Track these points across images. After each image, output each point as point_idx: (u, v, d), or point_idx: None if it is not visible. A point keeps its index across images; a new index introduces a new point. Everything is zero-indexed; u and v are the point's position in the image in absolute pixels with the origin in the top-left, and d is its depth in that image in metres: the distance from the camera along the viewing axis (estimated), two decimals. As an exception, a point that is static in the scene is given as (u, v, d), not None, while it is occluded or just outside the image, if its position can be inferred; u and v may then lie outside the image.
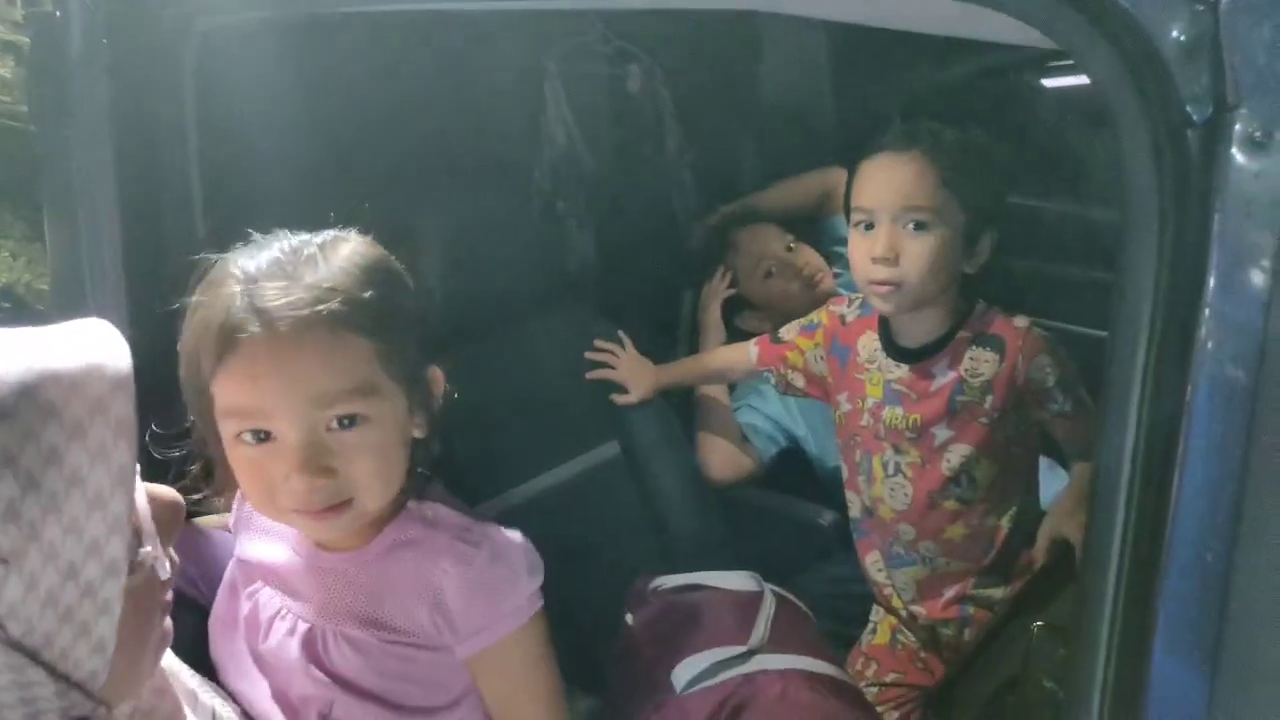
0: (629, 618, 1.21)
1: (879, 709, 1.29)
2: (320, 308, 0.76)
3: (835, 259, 1.72)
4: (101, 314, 1.04)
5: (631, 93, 1.83)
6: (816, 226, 1.82)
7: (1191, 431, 0.59)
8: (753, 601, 1.17)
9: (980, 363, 1.22)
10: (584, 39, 1.75)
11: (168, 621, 0.64)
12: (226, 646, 0.91)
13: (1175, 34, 0.56)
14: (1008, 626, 1.03)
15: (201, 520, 1.00)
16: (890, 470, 1.29)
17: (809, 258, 1.70)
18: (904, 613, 1.36)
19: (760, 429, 1.62)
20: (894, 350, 1.28)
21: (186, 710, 0.71)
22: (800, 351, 1.40)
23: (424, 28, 1.44)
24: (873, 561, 1.38)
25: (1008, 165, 1.37)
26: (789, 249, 1.70)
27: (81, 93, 1.04)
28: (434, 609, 0.85)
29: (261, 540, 0.92)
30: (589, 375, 1.49)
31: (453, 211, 1.39)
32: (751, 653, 1.08)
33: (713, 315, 1.71)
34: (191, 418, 0.83)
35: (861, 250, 1.21)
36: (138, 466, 0.57)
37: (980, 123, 1.34)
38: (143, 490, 0.60)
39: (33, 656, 0.52)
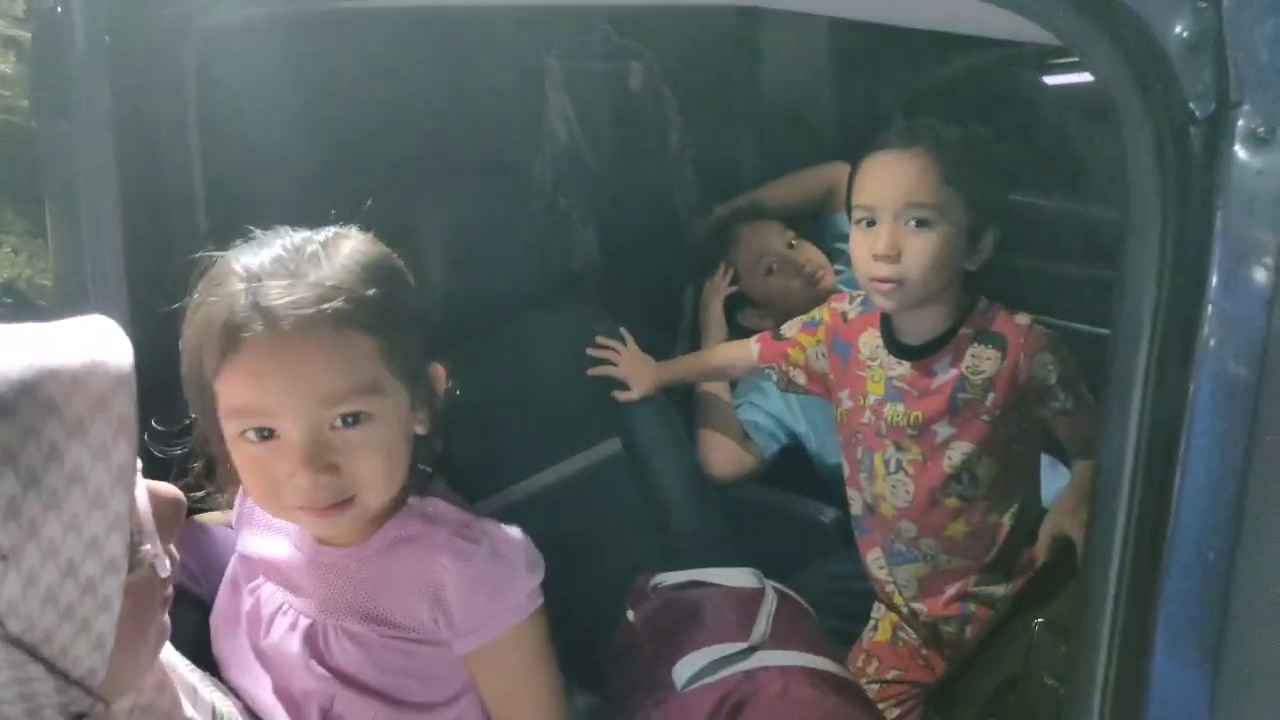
0: (630, 614, 1.21)
1: (880, 706, 1.29)
2: (324, 306, 0.76)
3: (837, 256, 1.71)
4: (103, 310, 1.04)
5: (633, 90, 1.83)
6: (819, 223, 1.82)
7: (1193, 429, 0.59)
8: (754, 598, 1.17)
9: (982, 360, 1.22)
10: (586, 36, 1.75)
11: (165, 616, 0.64)
12: (228, 642, 0.91)
13: (1179, 30, 0.56)
14: (1009, 624, 1.03)
15: (204, 516, 1.00)
16: (892, 467, 1.29)
17: (810, 255, 1.70)
18: (905, 610, 1.36)
19: (762, 426, 1.62)
20: (896, 347, 1.28)
21: (186, 705, 0.71)
22: (802, 349, 1.40)
23: (425, 24, 1.44)
24: (874, 559, 1.38)
25: (1010, 163, 1.37)
26: (790, 246, 1.70)
27: (83, 88, 1.04)
28: (434, 604, 0.85)
29: (263, 536, 0.92)
30: (590, 372, 1.49)
31: (454, 208, 1.39)
32: (753, 649, 1.08)
33: (714, 312, 1.71)
34: (193, 415, 0.83)
35: (863, 247, 1.21)
36: (138, 464, 0.57)
37: (982, 120, 1.34)
38: (144, 488, 0.60)
39: (32, 653, 0.52)
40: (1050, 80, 1.89)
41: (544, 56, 1.69)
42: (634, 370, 1.50)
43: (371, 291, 0.79)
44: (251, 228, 0.84)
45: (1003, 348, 1.21)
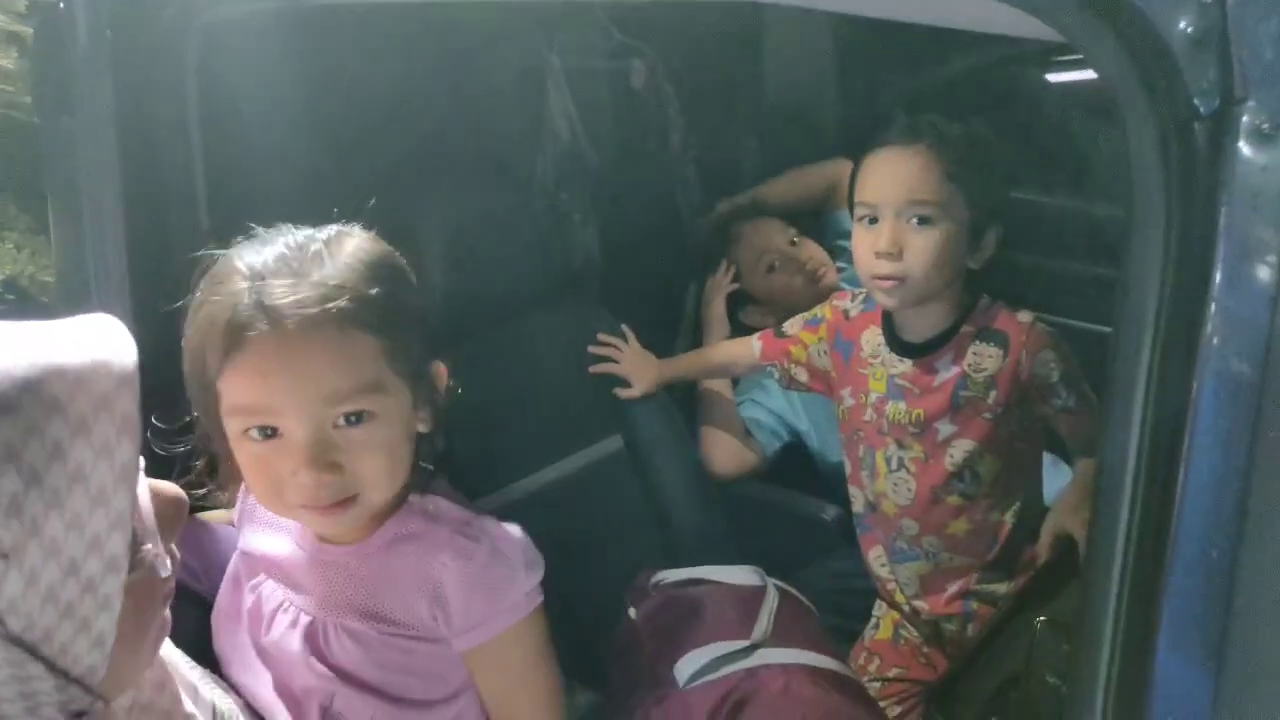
0: (631, 612, 1.21)
1: (881, 704, 1.29)
2: (329, 306, 0.76)
3: (839, 253, 1.71)
4: (105, 307, 1.04)
5: (635, 88, 1.83)
6: (821, 220, 1.81)
7: (1197, 427, 0.58)
8: (755, 596, 1.17)
9: (984, 358, 1.22)
10: (587, 33, 1.74)
11: (167, 610, 0.64)
12: (229, 639, 0.91)
13: (1183, 26, 0.56)
14: (1011, 622, 1.03)
15: (206, 515, 1.00)
16: (893, 465, 1.29)
17: (812, 252, 1.70)
18: (907, 608, 1.36)
19: (763, 423, 1.62)
20: (897, 345, 1.28)
21: (187, 702, 0.71)
22: (804, 346, 1.40)
23: (426, 21, 1.44)
24: (876, 556, 1.38)
25: (1012, 160, 1.36)
26: (792, 243, 1.70)
27: (85, 84, 1.04)
28: (433, 602, 0.85)
29: (265, 533, 0.92)
30: (592, 369, 1.49)
31: (455, 206, 1.39)
32: (754, 647, 1.08)
33: (717, 310, 1.70)
34: (195, 413, 0.83)
35: (865, 245, 1.21)
36: (141, 463, 0.57)
37: (985, 117, 1.33)
38: (146, 487, 0.60)
39: (32, 651, 0.52)
40: (1052, 77, 1.89)
41: (546, 54, 1.69)
42: (635, 367, 1.50)
43: (375, 290, 0.79)
44: (254, 225, 0.84)
45: (1005, 345, 1.21)
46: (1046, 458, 1.35)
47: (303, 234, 0.83)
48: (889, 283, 1.19)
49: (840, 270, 1.69)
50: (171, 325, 0.82)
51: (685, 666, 1.07)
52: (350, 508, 0.81)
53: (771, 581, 1.21)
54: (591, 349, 1.50)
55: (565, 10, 1.72)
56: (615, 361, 1.50)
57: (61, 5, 1.03)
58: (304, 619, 0.87)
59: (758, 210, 1.77)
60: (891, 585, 1.36)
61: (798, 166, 1.85)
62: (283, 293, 0.76)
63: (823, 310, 1.40)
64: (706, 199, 1.90)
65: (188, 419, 0.84)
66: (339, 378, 0.77)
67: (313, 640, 0.86)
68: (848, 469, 1.38)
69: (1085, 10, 0.59)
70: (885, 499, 1.31)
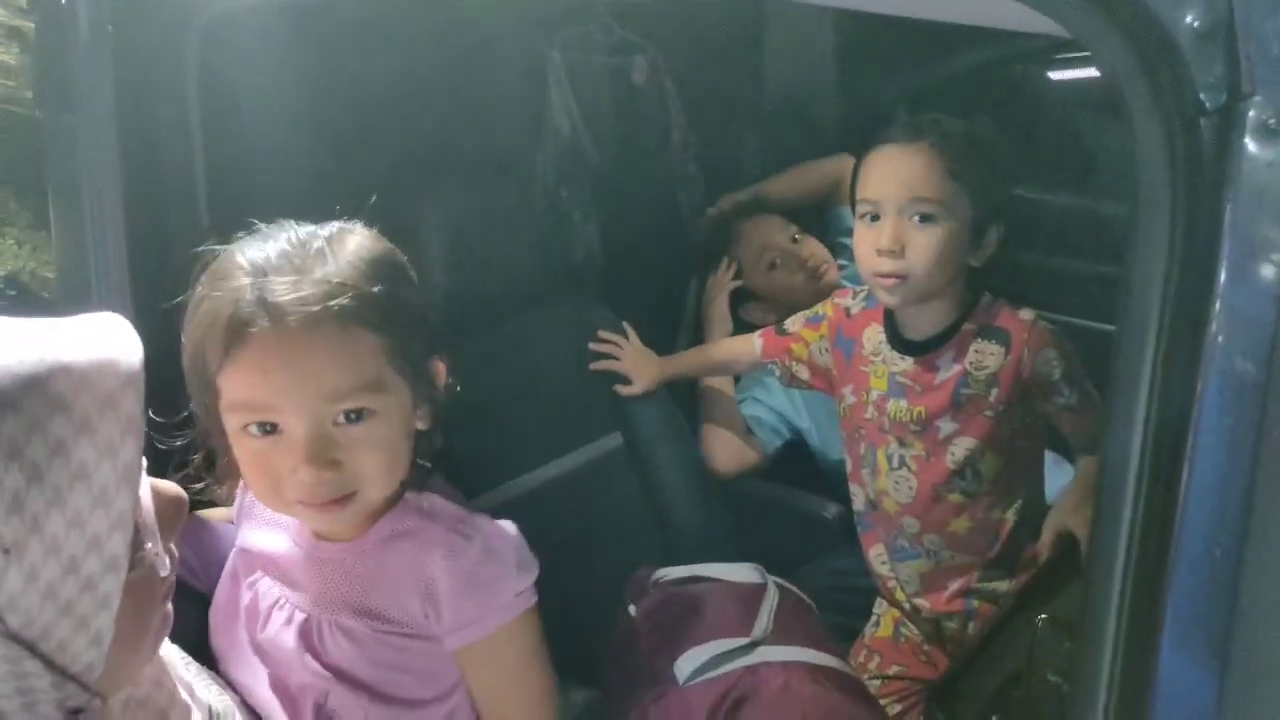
0: (631, 609, 1.21)
1: (882, 702, 1.29)
2: (331, 303, 0.76)
3: (841, 250, 1.71)
4: (106, 303, 1.04)
5: (637, 84, 1.82)
6: (823, 217, 1.81)
7: (1201, 425, 0.58)
8: (756, 594, 1.17)
9: (985, 356, 1.22)
10: (589, 30, 1.74)
11: (168, 605, 0.64)
12: (227, 636, 0.91)
13: (1189, 21, 0.56)
14: (1012, 620, 1.03)
15: (206, 512, 1.00)
16: (895, 463, 1.29)
17: (814, 249, 1.70)
18: (908, 606, 1.36)
19: (764, 421, 1.62)
20: (899, 343, 1.28)
21: (184, 694, 0.71)
22: (805, 344, 1.40)
23: (427, 17, 1.44)
24: (877, 554, 1.38)
25: (1014, 157, 1.36)
26: (794, 240, 1.69)
27: (87, 80, 1.04)
28: (425, 599, 0.85)
29: (263, 530, 0.92)
30: (593, 366, 1.49)
31: (456, 203, 1.39)
32: (754, 645, 1.08)
33: (719, 307, 1.70)
34: (194, 408, 0.83)
35: (867, 242, 1.21)
36: (144, 462, 0.57)
37: (987, 114, 1.33)
38: (147, 486, 0.60)
39: (30, 648, 0.52)
40: (1055, 74, 1.89)
41: (547, 50, 1.69)
42: (636, 365, 1.50)
43: (377, 288, 0.79)
44: (255, 221, 0.84)
45: (1006, 343, 1.21)
46: (1048, 456, 1.35)
47: (305, 231, 0.83)
48: (890, 280, 1.19)
49: (842, 268, 1.69)
50: (172, 321, 0.82)
51: (685, 664, 1.07)
52: (348, 505, 0.81)
53: (772, 579, 1.21)
54: (592, 346, 1.50)
55: (567, 7, 1.72)
56: (616, 359, 1.49)
57: (63, 1, 1.03)
58: (299, 616, 0.87)
59: (759, 207, 1.77)
60: (892, 583, 1.36)
61: (799, 163, 1.85)
62: (285, 289, 0.76)
63: (824, 308, 1.40)
64: (708, 196, 1.89)
65: (186, 413, 0.84)
66: (340, 375, 0.77)
67: (307, 638, 0.86)
68: (849, 467, 1.38)
69: (1090, 4, 0.59)
70: (886, 497, 1.31)
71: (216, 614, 0.93)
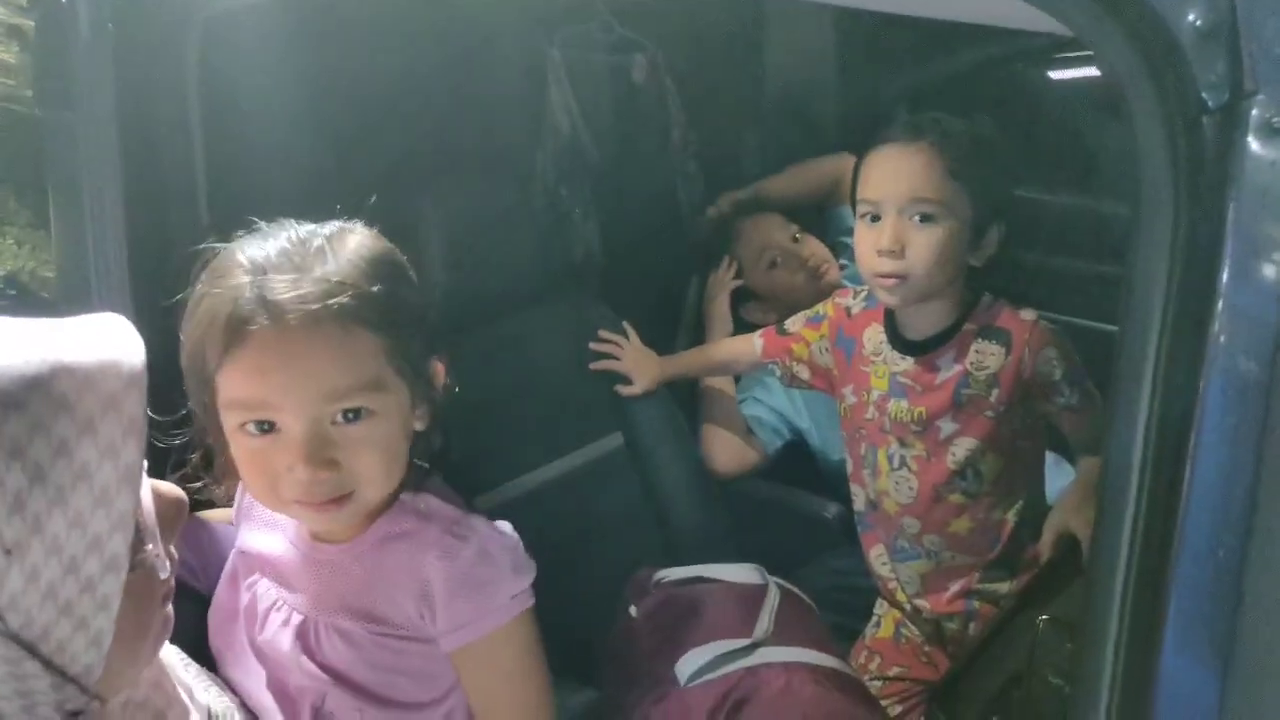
0: (631, 610, 1.21)
1: (883, 703, 1.28)
2: (330, 302, 0.76)
3: (842, 250, 1.71)
4: (106, 301, 1.04)
5: (636, 82, 1.82)
6: (823, 216, 1.81)
7: (1204, 425, 0.58)
8: (756, 594, 1.17)
9: (986, 356, 1.21)
10: (588, 27, 1.74)
11: (169, 609, 0.63)
12: (226, 637, 0.91)
13: (1191, 19, 0.55)
14: (1013, 621, 1.03)
15: (206, 514, 0.99)
16: (895, 463, 1.29)
17: (814, 248, 1.69)
18: (908, 606, 1.35)
19: (765, 421, 1.62)
20: (899, 343, 1.27)
21: (183, 695, 0.71)
22: (805, 343, 1.40)
23: (427, 17, 1.44)
24: (877, 555, 1.38)
25: (1015, 157, 1.36)
26: (794, 239, 1.69)
27: (87, 79, 1.04)
28: (421, 601, 0.85)
29: (261, 532, 0.91)
30: (593, 366, 1.49)
31: (456, 202, 1.39)
32: (755, 645, 1.08)
33: (719, 306, 1.70)
34: (192, 406, 0.83)
35: (867, 242, 1.20)
36: (145, 464, 0.57)
37: (988, 114, 1.33)
38: (148, 487, 0.60)
39: (30, 649, 0.52)
40: (1056, 74, 1.89)
41: (547, 49, 1.69)
42: (636, 364, 1.49)
43: (376, 288, 0.79)
44: (255, 220, 0.84)
45: (1007, 343, 1.21)
46: (1049, 456, 1.35)
47: (305, 229, 0.83)
48: (891, 281, 1.19)
49: (842, 267, 1.69)
50: (172, 320, 0.82)
51: (686, 665, 1.07)
52: (346, 504, 0.80)
53: (773, 580, 1.20)
54: (592, 346, 1.50)
55: (567, 5, 1.72)
56: (616, 358, 1.49)
57: (64, 0, 1.03)
58: (296, 618, 0.87)
59: (759, 206, 1.77)
60: (893, 584, 1.36)
61: (800, 162, 1.85)
62: (284, 288, 0.76)
63: (825, 307, 1.39)
64: (708, 195, 1.89)
65: (184, 412, 0.83)
66: (339, 374, 0.77)
67: (304, 640, 0.86)
68: (849, 467, 1.38)
69: (1092, 3, 0.59)
70: (887, 497, 1.31)
71: (216, 615, 0.93)
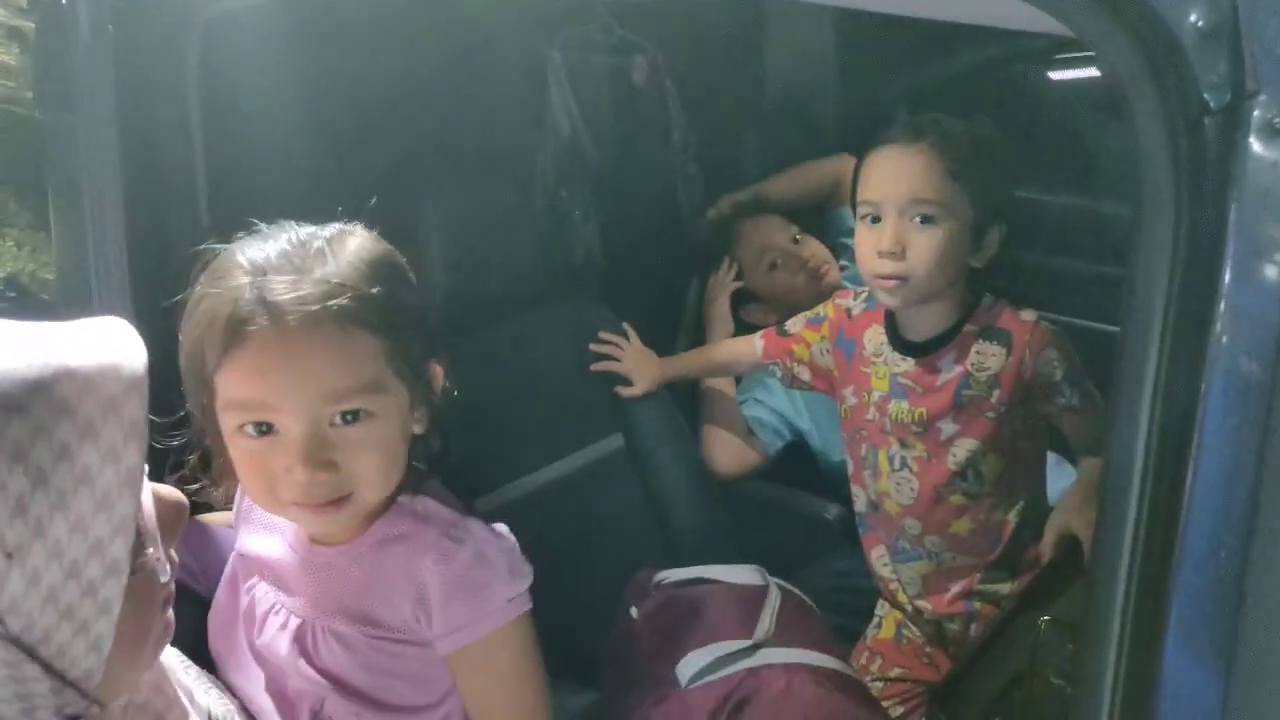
0: (632, 611, 1.21)
1: (884, 704, 1.28)
2: (330, 303, 0.76)
3: (842, 251, 1.71)
4: (107, 303, 1.04)
5: (636, 84, 1.82)
6: (824, 217, 1.81)
7: (1206, 425, 0.58)
8: (757, 595, 1.17)
9: (987, 357, 1.21)
10: (588, 29, 1.74)
11: (169, 613, 0.63)
12: (226, 640, 0.91)
13: (1193, 19, 0.55)
14: (1014, 622, 1.03)
15: (206, 517, 0.99)
16: (896, 464, 1.28)
17: (815, 250, 1.69)
18: (909, 608, 1.35)
19: (765, 422, 1.62)
20: (900, 344, 1.27)
21: (184, 699, 0.71)
22: (806, 345, 1.40)
23: (427, 18, 1.44)
24: (878, 556, 1.38)
25: (1016, 158, 1.36)
26: (794, 241, 1.69)
27: (87, 80, 1.04)
28: (417, 603, 0.84)
29: (260, 535, 0.91)
30: (594, 367, 1.49)
31: (456, 203, 1.39)
32: (756, 647, 1.07)
33: (720, 308, 1.70)
34: (190, 407, 0.83)
35: (868, 244, 1.20)
36: (145, 468, 0.57)
37: (988, 115, 1.33)
38: (148, 490, 0.60)
39: (30, 653, 0.51)
40: (1056, 74, 1.89)
41: (547, 50, 1.69)
42: (637, 366, 1.49)
43: (376, 290, 0.79)
44: (255, 221, 0.84)
45: (1008, 344, 1.21)
46: (1050, 457, 1.34)
47: (305, 231, 0.83)
48: (891, 282, 1.19)
49: (843, 268, 1.69)
50: (172, 322, 0.82)
51: (687, 667, 1.06)
52: (344, 507, 0.80)
53: (774, 581, 1.20)
54: (593, 347, 1.50)
55: (567, 7, 1.72)
56: (616, 360, 1.49)
57: (64, 1, 1.03)
58: (294, 622, 0.87)
59: (760, 207, 1.77)
60: (894, 585, 1.36)
61: (800, 163, 1.85)
62: (284, 288, 0.76)
63: (825, 309, 1.39)
64: (708, 196, 1.89)
65: (182, 414, 0.83)
66: (338, 376, 0.77)
67: (301, 643, 0.86)
68: (850, 468, 1.38)
69: (1094, 3, 0.59)
70: (888, 498, 1.31)
71: (216, 618, 0.93)
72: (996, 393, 1.21)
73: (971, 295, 1.24)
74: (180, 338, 0.80)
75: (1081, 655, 0.67)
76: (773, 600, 1.16)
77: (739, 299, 1.72)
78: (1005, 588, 1.29)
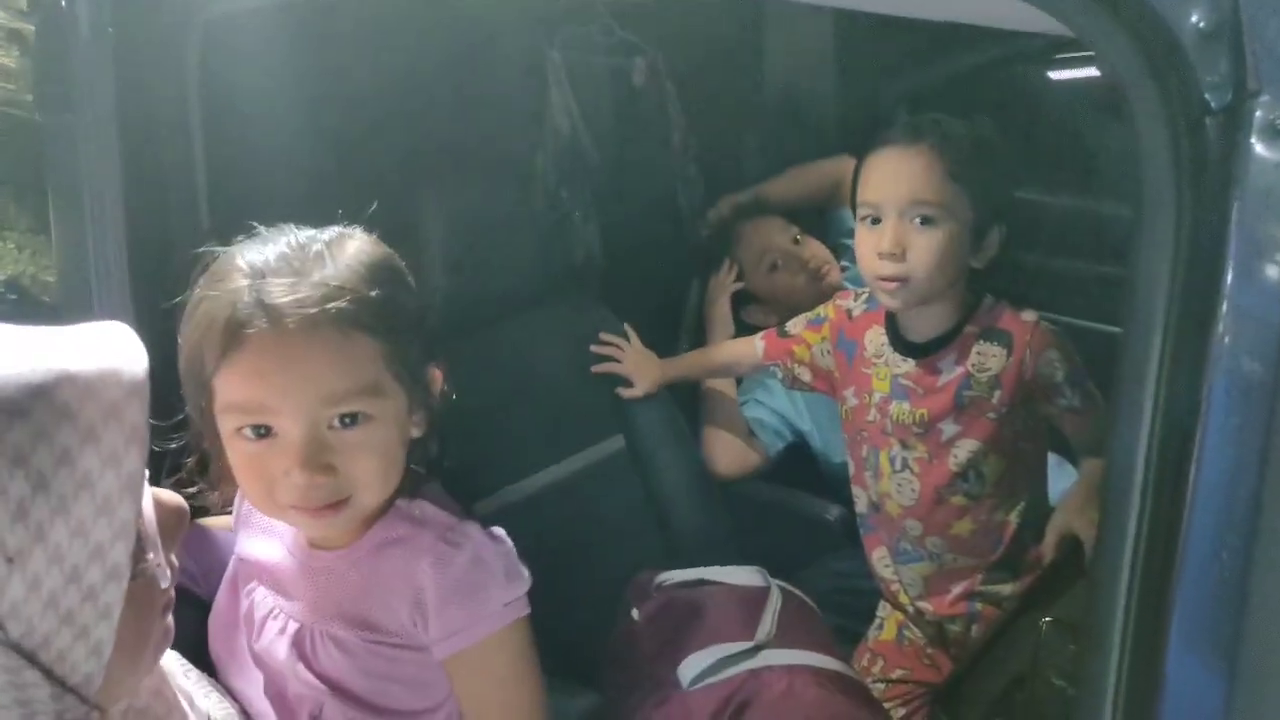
0: (633, 613, 1.21)
1: (885, 705, 1.28)
2: (329, 306, 0.76)
3: (843, 251, 1.71)
4: (107, 306, 1.04)
5: (637, 85, 1.82)
6: (824, 218, 1.81)
7: (1208, 426, 0.58)
8: (759, 597, 1.17)
9: (988, 357, 1.21)
10: (588, 30, 1.74)
11: (169, 619, 0.63)
12: (226, 644, 0.91)
13: (1194, 19, 0.55)
14: (1016, 623, 1.03)
15: (206, 521, 0.99)
16: (897, 465, 1.28)
17: (815, 250, 1.69)
18: (911, 609, 1.35)
19: (766, 423, 1.62)
20: (901, 345, 1.27)
21: (185, 705, 0.71)
22: (807, 346, 1.40)
23: (428, 19, 1.44)
24: (879, 557, 1.37)
25: (1016, 159, 1.36)
26: (795, 242, 1.69)
27: (87, 82, 1.04)
28: (414, 607, 0.84)
29: (259, 539, 0.91)
30: (594, 369, 1.49)
31: (457, 203, 1.39)
32: (758, 648, 1.08)
33: (720, 309, 1.70)
34: (188, 410, 0.83)
35: (868, 245, 1.20)
36: (146, 473, 0.57)
37: (988, 115, 1.33)
38: (149, 496, 0.60)
39: (30, 658, 0.51)
40: (1056, 75, 1.89)
41: (547, 51, 1.69)
42: (637, 367, 1.49)
43: (376, 293, 0.78)
44: (255, 223, 0.84)
45: (1009, 345, 1.21)
46: (1051, 457, 1.34)
47: (304, 234, 0.83)
48: (892, 284, 1.19)
49: (844, 269, 1.69)
50: (173, 325, 0.82)
51: (688, 668, 1.06)
52: (342, 510, 0.80)
53: (775, 582, 1.20)
54: (593, 348, 1.50)
55: (567, 7, 1.72)
56: (617, 361, 1.49)
57: (63, 3, 1.03)
58: (292, 626, 0.87)
59: (760, 208, 1.77)
60: (895, 586, 1.36)
61: (800, 165, 1.85)
62: (283, 291, 0.76)
63: (826, 310, 1.39)
64: (708, 198, 1.89)
65: (180, 416, 0.83)
66: (337, 378, 0.77)
67: (300, 648, 0.86)
68: (851, 469, 1.38)
69: (1094, 3, 0.59)
70: (889, 499, 1.30)
71: (216, 622, 0.92)
72: (997, 393, 1.21)
73: (972, 296, 1.24)
74: (179, 340, 0.80)
75: (1083, 656, 0.67)
76: (774, 602, 1.16)
77: (739, 300, 1.71)
78: (1007, 589, 1.29)
